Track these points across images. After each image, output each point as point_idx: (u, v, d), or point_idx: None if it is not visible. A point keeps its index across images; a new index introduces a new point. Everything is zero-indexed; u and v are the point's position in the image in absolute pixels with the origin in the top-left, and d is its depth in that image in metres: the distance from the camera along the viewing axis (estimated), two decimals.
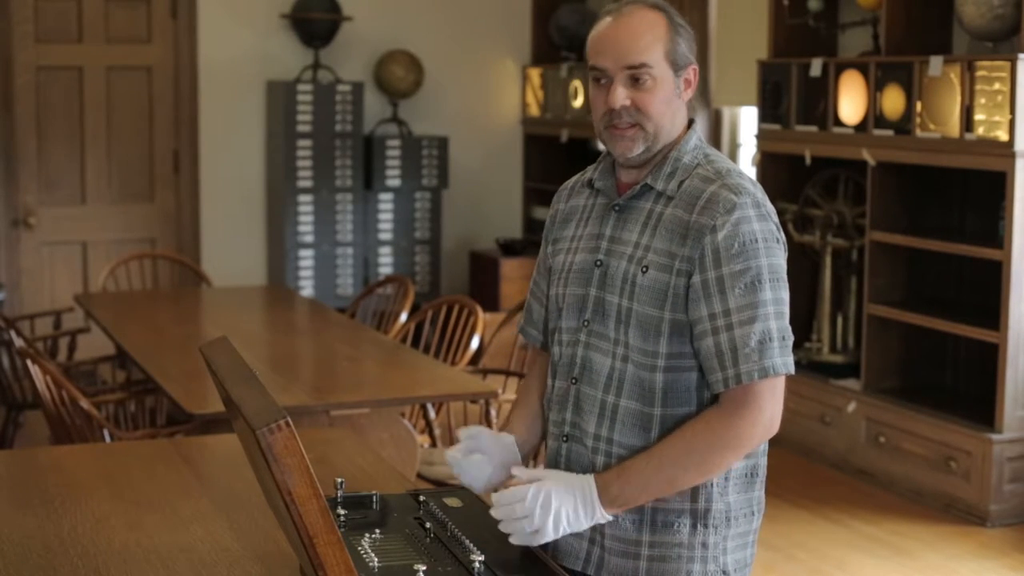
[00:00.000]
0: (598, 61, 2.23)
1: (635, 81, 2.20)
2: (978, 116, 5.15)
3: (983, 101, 5.12)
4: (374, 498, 2.34)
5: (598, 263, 2.27)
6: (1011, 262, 5.11)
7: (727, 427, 2.14)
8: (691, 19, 4.89)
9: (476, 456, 2.32)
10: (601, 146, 2.31)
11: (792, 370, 2.16)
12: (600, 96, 2.24)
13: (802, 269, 6.22)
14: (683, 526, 2.22)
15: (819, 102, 5.94)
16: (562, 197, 2.44)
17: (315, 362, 4.76)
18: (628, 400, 2.22)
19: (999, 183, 5.26)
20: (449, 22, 8.00)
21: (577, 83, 7.67)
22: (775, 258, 2.17)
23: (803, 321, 6.25)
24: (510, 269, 7.70)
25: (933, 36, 5.73)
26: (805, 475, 5.84)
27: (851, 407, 5.82)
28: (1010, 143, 5.03)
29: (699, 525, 2.22)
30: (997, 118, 5.07)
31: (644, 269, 2.20)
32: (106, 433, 4.00)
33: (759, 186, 2.24)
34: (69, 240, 7.41)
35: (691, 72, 2.25)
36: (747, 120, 7.32)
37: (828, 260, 6.20)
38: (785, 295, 2.19)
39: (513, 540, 2.14)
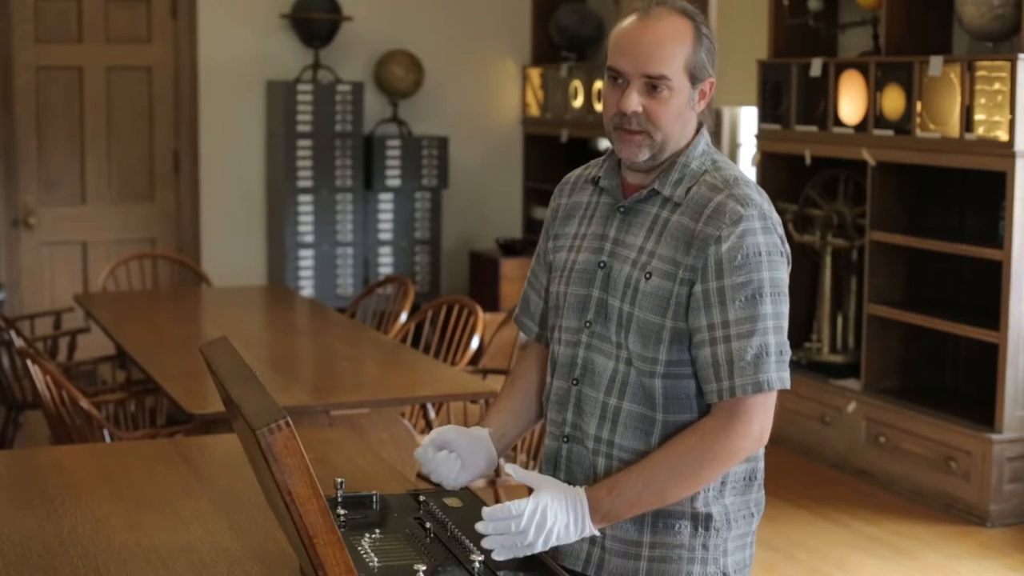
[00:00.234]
0: (617, 62, 2.19)
1: (652, 88, 2.17)
2: (978, 116, 5.15)
3: (983, 101, 5.12)
4: (374, 498, 2.34)
5: (601, 264, 2.26)
6: (1011, 262, 5.11)
7: (717, 440, 2.14)
8: None
9: (443, 452, 2.32)
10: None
11: (787, 385, 2.16)
12: (614, 96, 2.21)
13: (802, 269, 6.22)
14: (684, 528, 2.22)
15: (819, 102, 5.94)
16: (564, 191, 2.41)
17: (315, 362, 4.75)
18: (630, 403, 2.21)
19: (999, 183, 5.26)
20: (449, 22, 8.00)
21: (577, 83, 7.66)
22: (777, 272, 2.16)
23: (803, 321, 6.25)
24: (510, 269, 7.70)
25: (933, 36, 5.73)
26: (805, 475, 5.84)
27: (851, 407, 5.82)
28: (1010, 143, 5.03)
29: (699, 527, 2.22)
30: (997, 118, 5.07)
31: (647, 275, 2.19)
32: (106, 433, 4.00)
33: (766, 196, 2.22)
34: (69, 240, 7.41)
35: (708, 85, 2.22)
36: (747, 120, 7.32)
37: (828, 260, 6.20)
38: (785, 309, 2.18)
39: (497, 556, 2.09)
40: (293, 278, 7.45)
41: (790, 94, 6.09)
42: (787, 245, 2.22)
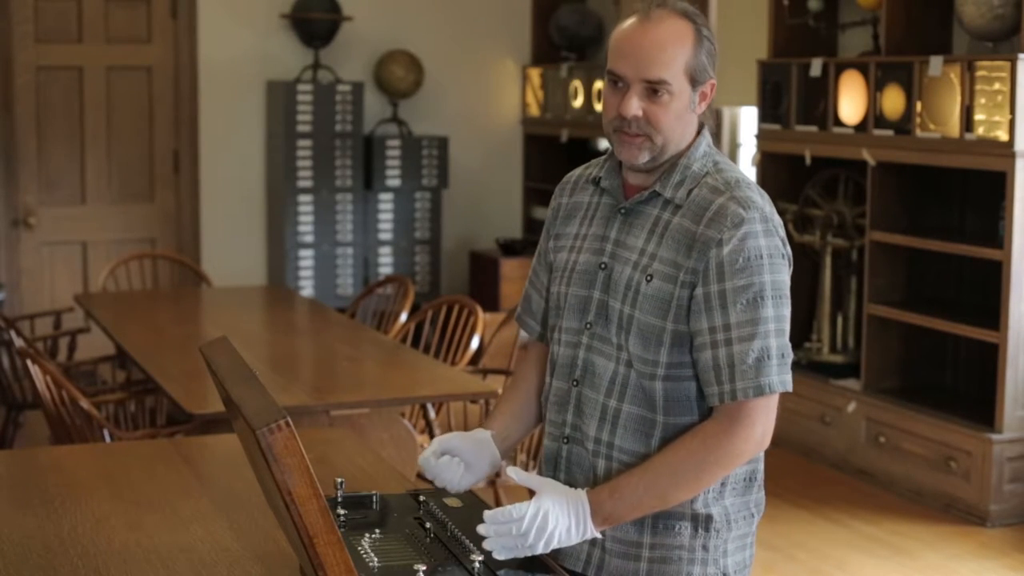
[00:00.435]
0: (617, 66, 2.18)
1: (652, 93, 2.16)
2: (978, 116, 5.15)
3: (983, 101, 5.12)
4: (374, 498, 2.34)
5: (603, 266, 2.26)
6: (1011, 262, 5.11)
7: (719, 443, 2.14)
8: None
9: (445, 458, 2.31)
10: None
11: (789, 388, 2.16)
12: (614, 99, 2.20)
13: (802, 269, 6.22)
14: (684, 528, 2.22)
15: (819, 102, 5.94)
16: (565, 191, 2.41)
17: (315, 362, 4.75)
18: (630, 405, 2.21)
19: (999, 183, 5.26)
20: (449, 22, 8.00)
21: (577, 83, 7.66)
22: (779, 275, 2.16)
23: (803, 321, 6.25)
24: (510, 269, 7.70)
25: (933, 36, 5.73)
26: (805, 475, 5.84)
27: (851, 407, 5.82)
28: (1010, 143, 5.03)
29: (699, 528, 2.22)
30: (997, 118, 5.07)
31: (648, 278, 2.19)
32: (106, 433, 4.00)
33: (767, 198, 2.22)
34: (69, 240, 7.41)
35: (708, 87, 2.21)
36: (747, 120, 7.32)
37: (828, 260, 6.20)
38: (787, 312, 2.18)
39: (498, 555, 2.10)
40: (293, 278, 7.45)
41: (790, 94, 6.09)
42: (788, 247, 2.21)
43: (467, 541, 2.14)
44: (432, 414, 4.36)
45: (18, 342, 4.71)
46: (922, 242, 5.56)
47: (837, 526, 5.20)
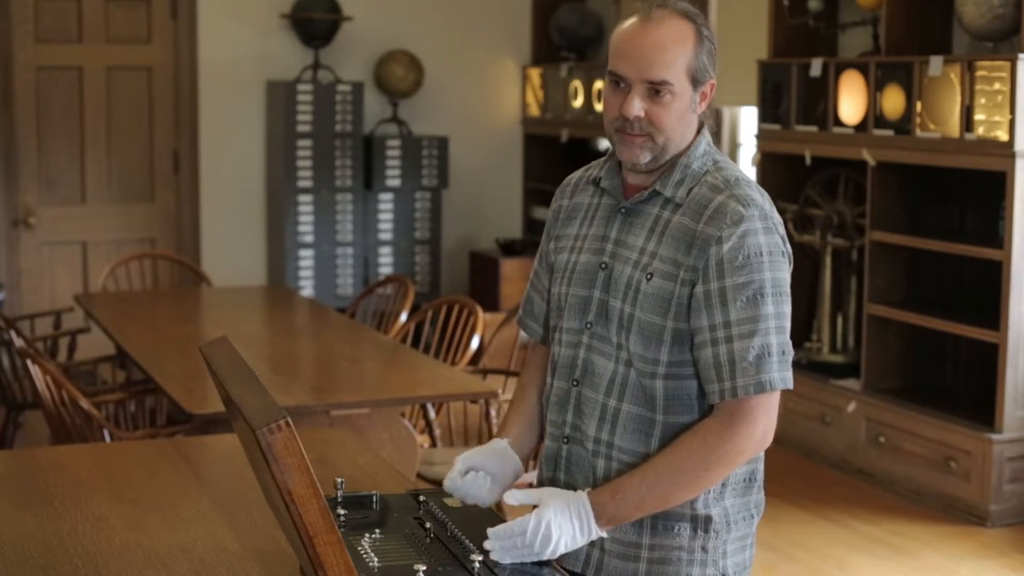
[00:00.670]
0: (619, 67, 2.19)
1: (654, 93, 2.17)
2: (978, 116, 5.15)
3: (983, 101, 5.12)
4: (374, 498, 2.34)
5: (603, 265, 2.26)
6: (1011, 262, 5.11)
7: (721, 442, 2.14)
8: None
9: (470, 474, 2.30)
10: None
11: (790, 385, 2.16)
12: (615, 100, 2.20)
13: (802, 269, 6.23)
14: (683, 530, 2.22)
15: (819, 102, 5.94)
16: (566, 192, 2.41)
17: (315, 362, 4.75)
18: (630, 405, 2.21)
19: (999, 183, 5.26)
20: (449, 22, 8.00)
21: (577, 83, 7.66)
22: (779, 272, 2.16)
23: (803, 321, 6.25)
24: (510, 269, 7.70)
25: (933, 36, 5.73)
26: (805, 475, 5.84)
27: (851, 407, 5.82)
28: (1010, 143, 5.03)
29: (699, 530, 2.22)
30: (997, 118, 5.07)
31: (649, 276, 2.19)
32: (106, 433, 4.00)
33: (767, 196, 2.22)
34: (69, 240, 7.41)
35: (708, 87, 2.22)
36: (747, 120, 7.32)
37: (828, 260, 6.20)
38: (787, 309, 2.18)
39: (503, 560, 2.10)
40: (293, 278, 7.45)
41: (790, 94, 6.09)
42: (788, 245, 2.22)
43: (467, 541, 2.14)
44: (432, 414, 4.36)
45: (18, 342, 4.71)
46: (922, 242, 5.56)
47: (837, 526, 5.20)
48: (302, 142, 7.42)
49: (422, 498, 2.35)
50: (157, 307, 5.67)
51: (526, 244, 7.87)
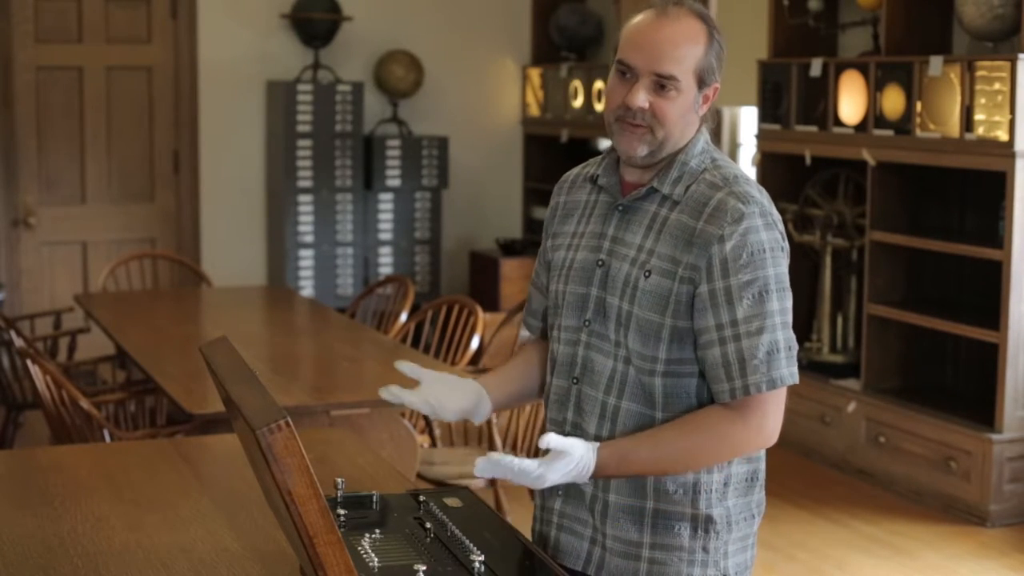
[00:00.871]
0: (628, 57, 2.20)
1: (660, 87, 2.18)
2: (978, 116, 5.15)
3: (983, 101, 5.12)
4: (374, 498, 2.34)
5: (600, 263, 2.26)
6: (1011, 262, 5.11)
7: (732, 435, 2.15)
8: None
9: (428, 375, 2.31)
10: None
11: (797, 380, 2.18)
12: (620, 89, 2.21)
13: (802, 269, 6.22)
14: (684, 530, 2.22)
15: (819, 102, 5.94)
16: (563, 190, 2.42)
17: (315, 362, 4.75)
18: (630, 402, 2.21)
19: (999, 183, 5.26)
20: (449, 22, 8.00)
21: (577, 83, 7.66)
22: (781, 267, 2.18)
23: (803, 321, 6.25)
24: (510, 269, 7.70)
25: (933, 36, 5.73)
26: (805, 475, 5.84)
27: (851, 407, 5.82)
28: (1010, 143, 5.03)
29: (700, 530, 2.22)
30: (997, 118, 5.07)
31: (646, 273, 2.19)
32: (106, 433, 4.00)
33: (765, 192, 2.23)
34: (69, 240, 7.41)
35: (712, 90, 2.23)
36: (747, 120, 7.32)
37: (828, 260, 6.20)
38: (789, 304, 2.19)
39: (481, 474, 2.13)
40: (293, 278, 7.45)
41: (790, 94, 6.09)
42: (786, 240, 2.23)
43: (467, 541, 2.14)
44: None
45: (18, 342, 4.71)
46: (922, 242, 5.56)
47: (837, 526, 5.20)
48: (302, 142, 7.42)
49: (422, 498, 2.35)
50: (157, 307, 5.67)
51: (526, 244, 7.87)
